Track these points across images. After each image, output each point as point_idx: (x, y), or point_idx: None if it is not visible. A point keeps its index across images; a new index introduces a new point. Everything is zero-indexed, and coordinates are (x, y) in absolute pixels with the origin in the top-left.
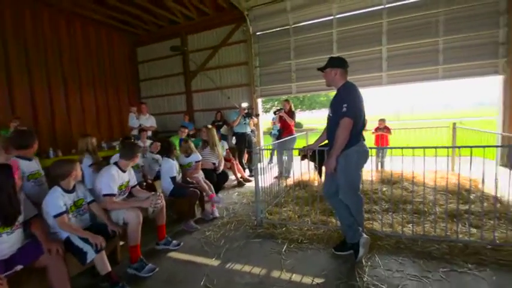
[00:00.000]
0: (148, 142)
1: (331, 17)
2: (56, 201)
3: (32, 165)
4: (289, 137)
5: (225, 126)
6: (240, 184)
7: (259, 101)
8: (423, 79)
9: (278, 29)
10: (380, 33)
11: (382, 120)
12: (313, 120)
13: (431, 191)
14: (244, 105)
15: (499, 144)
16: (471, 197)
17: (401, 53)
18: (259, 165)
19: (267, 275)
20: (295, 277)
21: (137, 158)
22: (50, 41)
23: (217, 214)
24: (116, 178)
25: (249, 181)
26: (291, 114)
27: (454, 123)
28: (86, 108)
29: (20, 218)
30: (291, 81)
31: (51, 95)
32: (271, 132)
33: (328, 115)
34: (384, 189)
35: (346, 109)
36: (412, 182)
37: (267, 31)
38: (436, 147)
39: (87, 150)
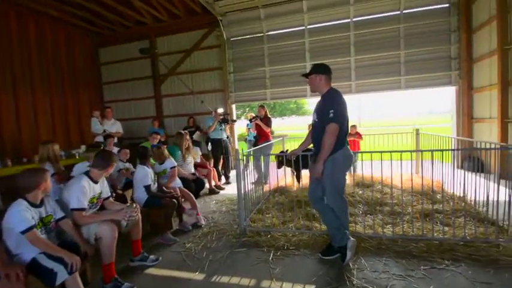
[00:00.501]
0: (116, 149)
1: (303, 27)
2: (23, 214)
3: None
4: (266, 143)
5: (197, 132)
6: (213, 192)
7: (234, 106)
8: (388, 88)
9: (252, 35)
10: (348, 44)
11: (353, 127)
12: (284, 127)
13: (403, 193)
14: (220, 110)
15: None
16: (438, 197)
17: (368, 64)
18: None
19: (257, 286)
20: (286, 285)
21: (112, 168)
22: None
23: (203, 222)
24: (87, 190)
25: (223, 189)
26: (267, 120)
27: (417, 130)
28: (39, 112)
29: None
30: (266, 88)
31: None
32: (246, 139)
33: (313, 121)
34: (360, 192)
35: (333, 115)
36: (390, 185)
37: (241, 37)
38: (412, 151)
39: (49, 158)
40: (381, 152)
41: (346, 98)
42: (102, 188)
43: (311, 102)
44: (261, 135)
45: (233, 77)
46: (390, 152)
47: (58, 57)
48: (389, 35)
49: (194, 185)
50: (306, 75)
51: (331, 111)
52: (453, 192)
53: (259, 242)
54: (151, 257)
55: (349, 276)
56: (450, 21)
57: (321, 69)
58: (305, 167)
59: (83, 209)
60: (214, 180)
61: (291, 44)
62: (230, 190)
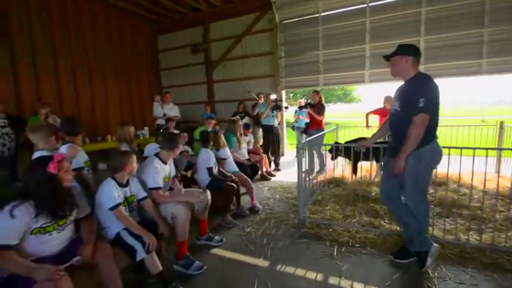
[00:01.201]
0: (176, 132)
1: (365, 5)
2: (111, 192)
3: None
4: (318, 133)
5: (246, 117)
6: (264, 178)
7: (284, 92)
8: (464, 73)
9: (306, 17)
10: (418, 23)
11: None
12: (330, 114)
13: (485, 195)
14: (273, 97)
15: None
16: None
17: (440, 45)
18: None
19: (325, 282)
20: (357, 286)
21: (178, 149)
22: (73, 28)
23: (259, 206)
24: (160, 170)
25: (274, 176)
26: (320, 107)
27: (502, 122)
28: (109, 97)
29: (73, 214)
30: (318, 73)
31: (75, 83)
32: (293, 126)
33: (394, 109)
34: (431, 191)
35: (423, 104)
36: (470, 185)
37: (294, 19)
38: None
39: (125, 139)
40: (461, 148)
41: None
42: (171, 168)
43: (359, 89)
44: (312, 122)
45: (284, 61)
46: (461, 148)
47: (124, 46)
48: (470, 10)
49: (250, 170)
50: (387, 57)
51: (420, 100)
52: None
53: (320, 235)
54: (216, 237)
55: (430, 286)
56: None
57: (408, 50)
58: (366, 158)
59: (159, 188)
60: (265, 166)
61: (349, 25)
62: (280, 177)
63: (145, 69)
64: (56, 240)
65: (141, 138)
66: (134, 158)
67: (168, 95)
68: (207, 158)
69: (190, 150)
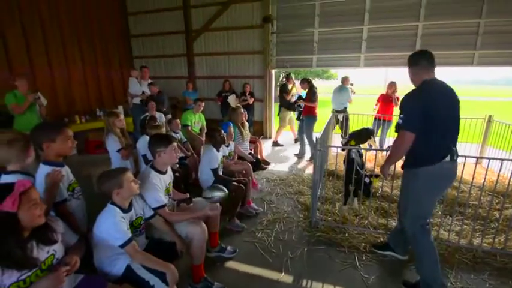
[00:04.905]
0: (158, 114)
1: None
2: (120, 227)
3: (67, 170)
4: (309, 120)
5: (234, 95)
6: (260, 168)
7: (273, 72)
8: (456, 63)
9: None
10: (418, 6)
11: (392, 84)
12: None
13: (482, 192)
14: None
15: None
16: None
17: (437, 32)
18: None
19: None
20: None
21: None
22: None
23: (257, 209)
24: (160, 186)
25: (269, 164)
26: (311, 94)
27: (490, 116)
28: (70, 69)
29: (58, 250)
30: (312, 53)
31: (29, 53)
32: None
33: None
34: None
35: (403, 120)
36: (466, 181)
37: None
38: None
39: (109, 130)
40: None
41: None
42: (171, 175)
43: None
44: (304, 109)
45: (276, 37)
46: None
47: (86, 7)
48: None
49: (252, 166)
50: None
51: (401, 116)
52: None
53: (336, 240)
54: (229, 248)
55: None
56: None
57: (411, 61)
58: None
59: (164, 206)
60: (260, 154)
61: (349, 2)
62: (275, 166)
63: (114, 36)
64: None
65: None
66: (129, 173)
67: (146, 69)
68: (211, 157)
69: (183, 137)
